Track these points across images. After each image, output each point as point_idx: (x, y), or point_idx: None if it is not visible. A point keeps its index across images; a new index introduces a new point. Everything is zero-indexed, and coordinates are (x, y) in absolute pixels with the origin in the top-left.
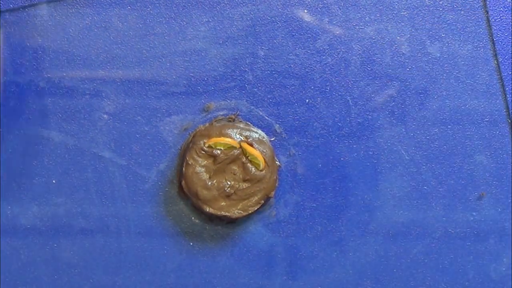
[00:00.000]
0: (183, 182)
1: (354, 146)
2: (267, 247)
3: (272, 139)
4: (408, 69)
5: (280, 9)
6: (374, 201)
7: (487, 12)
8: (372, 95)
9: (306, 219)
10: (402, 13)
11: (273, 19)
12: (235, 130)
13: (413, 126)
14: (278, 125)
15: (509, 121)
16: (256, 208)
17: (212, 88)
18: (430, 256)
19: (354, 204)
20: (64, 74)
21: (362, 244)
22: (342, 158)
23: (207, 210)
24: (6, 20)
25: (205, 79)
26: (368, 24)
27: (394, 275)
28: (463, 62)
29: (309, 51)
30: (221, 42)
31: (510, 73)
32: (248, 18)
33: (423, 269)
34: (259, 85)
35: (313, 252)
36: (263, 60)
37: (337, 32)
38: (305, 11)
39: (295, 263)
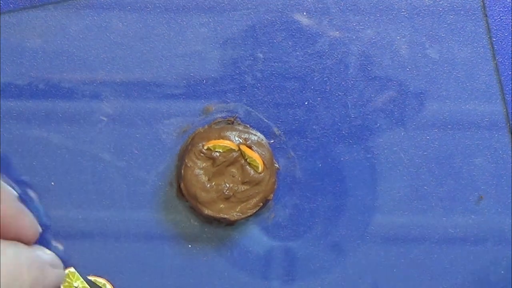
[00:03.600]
0: (182, 184)
1: (353, 148)
2: (265, 249)
3: (271, 141)
4: (407, 71)
5: (279, 11)
6: (373, 203)
7: (486, 14)
8: (371, 97)
9: (304, 221)
10: (401, 15)
11: (272, 21)
12: (234, 133)
13: (412, 128)
14: (277, 127)
15: (508, 123)
16: (254, 211)
17: (212, 90)
18: (429, 258)
19: (353, 206)
20: (64, 76)
21: (361, 246)
22: (341, 159)
23: (206, 212)
24: (6, 21)
25: (205, 81)
26: (367, 26)
27: (393, 277)
28: (462, 64)
29: (308, 53)
30: (220, 44)
31: (509, 74)
32: (248, 20)
33: (422, 271)
34: (258, 87)
35: (312, 254)
36: (262, 62)
37: (336, 34)
38: (304, 13)
39: (294, 265)
